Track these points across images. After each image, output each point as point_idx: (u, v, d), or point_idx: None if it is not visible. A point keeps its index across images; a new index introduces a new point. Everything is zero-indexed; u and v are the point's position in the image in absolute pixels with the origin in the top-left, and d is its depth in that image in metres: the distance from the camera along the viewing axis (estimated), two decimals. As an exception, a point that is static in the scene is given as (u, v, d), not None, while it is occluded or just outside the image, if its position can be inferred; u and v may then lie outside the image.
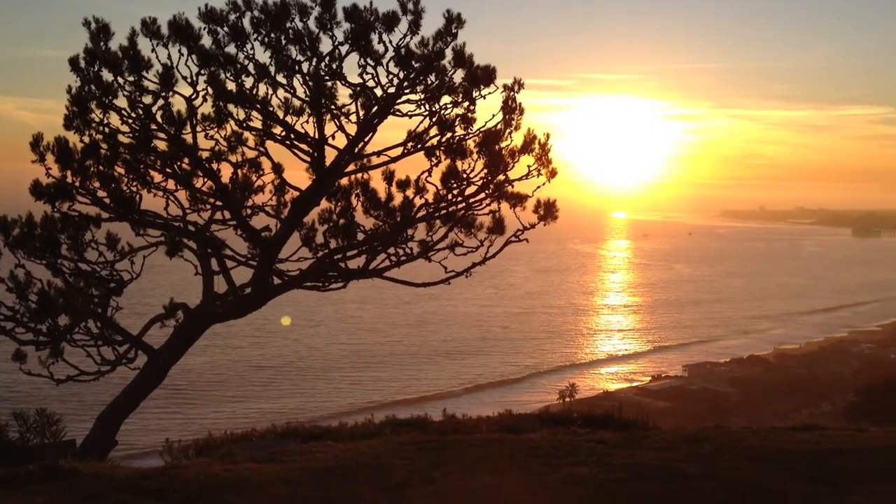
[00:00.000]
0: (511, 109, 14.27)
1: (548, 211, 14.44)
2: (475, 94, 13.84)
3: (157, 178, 13.64)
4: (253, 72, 12.72)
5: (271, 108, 13.12)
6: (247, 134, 13.75)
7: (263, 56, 12.59)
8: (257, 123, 13.37)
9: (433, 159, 14.35)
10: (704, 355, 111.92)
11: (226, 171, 13.96)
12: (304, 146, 13.45)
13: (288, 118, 13.21)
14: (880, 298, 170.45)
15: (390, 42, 12.52)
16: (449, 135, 14.07)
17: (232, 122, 13.38)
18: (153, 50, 12.00)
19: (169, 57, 12.30)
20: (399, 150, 14.18)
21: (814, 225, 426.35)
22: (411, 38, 12.62)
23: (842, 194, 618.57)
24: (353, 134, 13.48)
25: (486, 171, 14.31)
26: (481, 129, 14.14)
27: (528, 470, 8.79)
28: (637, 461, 9.15)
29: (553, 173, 14.61)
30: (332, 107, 13.20)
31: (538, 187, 14.49)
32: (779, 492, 8.22)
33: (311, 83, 12.86)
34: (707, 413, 77.63)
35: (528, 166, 14.68)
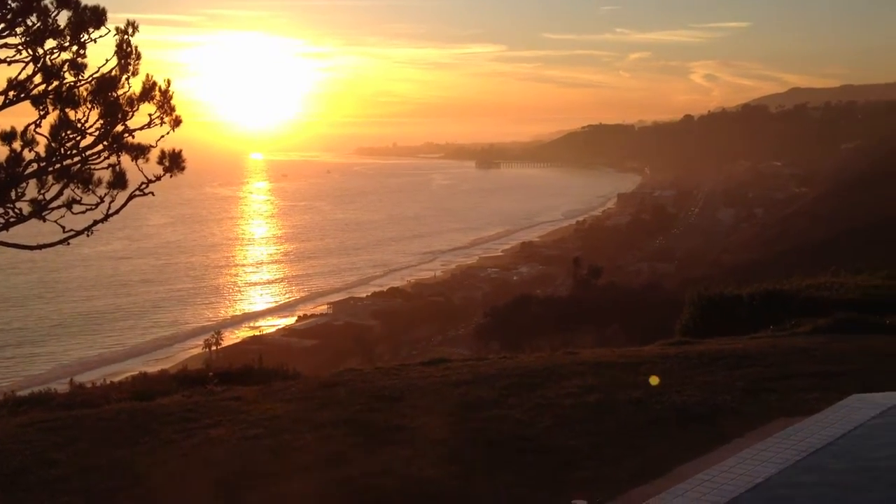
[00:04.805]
0: (126, 54, 13.36)
1: (173, 162, 13.77)
2: (84, 37, 12.83)
3: None
4: None
5: None
6: None
7: None
8: None
9: (41, 109, 13.12)
10: (350, 293, 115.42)
11: None
12: None
13: None
14: (502, 225, 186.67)
15: (-23, -20, 11.11)
16: (57, 82, 12.89)
17: None
18: None
19: None
20: (0, 100, 12.79)
21: (442, 159, 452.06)
22: (2, -24, 11.29)
23: (465, 128, 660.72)
24: (-57, 83, 11.91)
25: (102, 121, 13.36)
26: (94, 76, 13.14)
27: (160, 438, 8.50)
28: (273, 415, 9.22)
29: (177, 122, 13.93)
30: (-88, 53, 11.55)
31: (162, 137, 13.86)
32: (406, 428, 8.71)
33: None
34: (352, 346, 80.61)
35: (150, 115, 13.96)
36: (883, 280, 17.78)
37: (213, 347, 78.46)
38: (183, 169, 14.37)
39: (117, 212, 13.83)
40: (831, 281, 17.93)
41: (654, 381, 10.15)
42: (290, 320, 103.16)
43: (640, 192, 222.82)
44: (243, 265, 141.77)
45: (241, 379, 11.20)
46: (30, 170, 13.34)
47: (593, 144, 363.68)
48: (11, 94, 13.01)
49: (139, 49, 13.66)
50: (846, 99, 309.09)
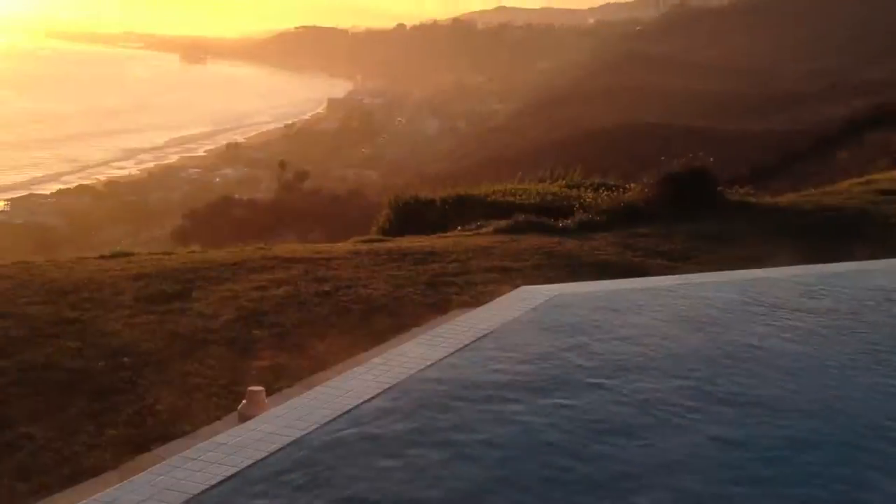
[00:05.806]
0: None
1: None
2: None
3: None
4: None
5: None
6: None
7: None
8: None
9: None
10: (32, 190, 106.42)
11: None
12: None
13: None
14: (207, 125, 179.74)
15: None
16: None
17: None
18: None
19: None
20: None
21: (143, 49, 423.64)
22: None
23: (169, 18, 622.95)
24: None
25: None
26: None
27: None
28: (-81, 309, 8.29)
29: None
30: None
31: None
32: (78, 321, 8.20)
33: None
34: (33, 247, 74.71)
35: None
36: (560, 188, 19.30)
37: None
38: None
39: None
40: (516, 188, 19.19)
41: None
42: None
43: (350, 98, 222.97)
44: None
45: None
46: None
47: (306, 46, 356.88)
48: None
49: None
50: (546, 21, 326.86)
